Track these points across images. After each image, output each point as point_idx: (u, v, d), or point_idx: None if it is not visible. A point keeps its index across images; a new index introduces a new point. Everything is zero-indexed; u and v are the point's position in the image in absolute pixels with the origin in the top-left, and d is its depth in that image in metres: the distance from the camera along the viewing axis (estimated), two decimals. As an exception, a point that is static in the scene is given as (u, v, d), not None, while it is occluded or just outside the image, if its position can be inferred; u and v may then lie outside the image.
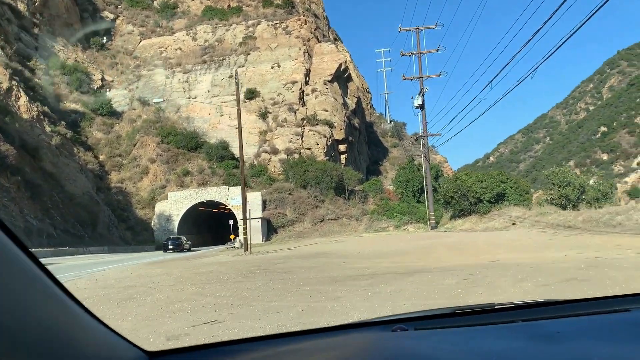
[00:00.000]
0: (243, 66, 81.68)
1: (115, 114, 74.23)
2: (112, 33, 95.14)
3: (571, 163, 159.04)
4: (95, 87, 78.65)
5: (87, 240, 49.11)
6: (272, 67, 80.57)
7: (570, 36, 16.38)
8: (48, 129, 58.34)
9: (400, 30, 44.63)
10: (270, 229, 56.56)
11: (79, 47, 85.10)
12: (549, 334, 1.70)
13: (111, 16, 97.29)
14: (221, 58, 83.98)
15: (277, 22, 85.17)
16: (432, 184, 47.72)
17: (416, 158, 65.90)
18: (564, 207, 31.09)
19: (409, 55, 44.29)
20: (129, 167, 65.92)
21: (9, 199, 40.25)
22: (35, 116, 57.38)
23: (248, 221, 55.31)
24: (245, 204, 34.33)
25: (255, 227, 54.35)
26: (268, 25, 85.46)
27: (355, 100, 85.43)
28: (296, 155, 66.79)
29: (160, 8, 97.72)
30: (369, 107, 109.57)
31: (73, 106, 71.89)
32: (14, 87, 56.57)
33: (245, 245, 33.92)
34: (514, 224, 31.31)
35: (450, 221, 43.20)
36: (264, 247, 43.86)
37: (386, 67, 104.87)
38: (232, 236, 53.40)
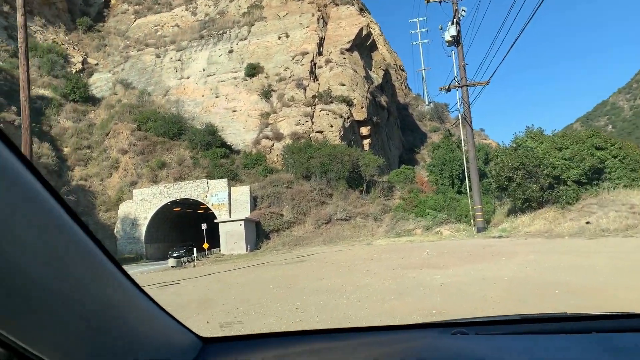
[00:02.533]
0: (245, 39, 68.11)
1: (91, 100, 62.33)
2: (104, 14, 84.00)
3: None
4: (74, 71, 67.03)
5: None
6: (280, 38, 66.59)
7: None
8: (-13, 114, 46.23)
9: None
10: (260, 234, 42.37)
11: (61, 29, 73.98)
12: (627, 347, 1.55)
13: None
14: (221, 32, 70.77)
15: (287, -15, 71.08)
16: (478, 167, 32.27)
17: (455, 133, 49.88)
18: None
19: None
20: (98, 160, 53.40)
21: None
22: (-31, 98, 45.29)
23: (223, 225, 41.44)
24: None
25: (237, 233, 40.37)
26: (276, -11, 71.57)
27: (381, 73, 70.12)
28: (304, 141, 52.25)
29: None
30: (403, 87, 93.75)
31: (41, 92, 60.33)
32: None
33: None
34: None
35: (508, 219, 27.67)
36: (238, 260, 29.71)
37: (422, 39, 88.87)
38: (205, 245, 39.61)
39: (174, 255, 37.63)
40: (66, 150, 54.25)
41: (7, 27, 65.88)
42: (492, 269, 11.55)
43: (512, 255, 13.71)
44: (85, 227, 1.16)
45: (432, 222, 36.62)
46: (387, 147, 66.90)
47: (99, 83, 67.15)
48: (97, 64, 71.58)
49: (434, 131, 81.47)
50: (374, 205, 42.38)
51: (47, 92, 60.10)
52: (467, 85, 28.48)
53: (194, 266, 26.60)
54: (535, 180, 23.66)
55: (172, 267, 26.07)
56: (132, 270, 27.09)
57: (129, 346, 1.26)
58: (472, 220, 30.61)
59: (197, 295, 10.87)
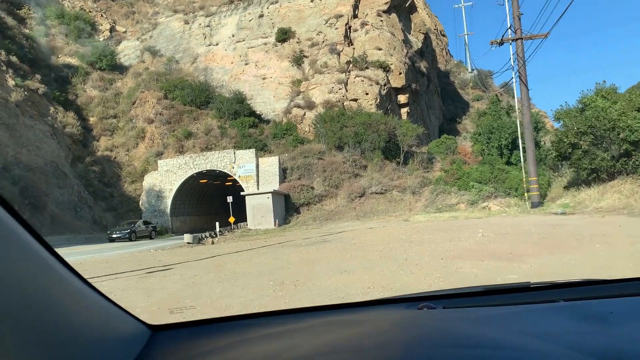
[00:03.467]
0: (276, 2, 64.54)
1: (118, 68, 60.46)
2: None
3: None
4: (102, 39, 65.19)
5: (33, 224, 34.72)
6: (312, 0, 62.69)
7: None
8: (12, 82, 44.62)
9: None
10: (289, 208, 39.69)
11: (89, -5, 72.11)
12: (600, 314, 1.53)
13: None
14: (252, -5, 67.32)
15: (319, -57, 66.77)
16: (532, 137, 28.29)
17: (503, 99, 45.46)
18: None
19: None
20: (124, 130, 51.58)
21: None
22: (-9, 66, 43.81)
23: (250, 197, 38.91)
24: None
25: (265, 206, 37.77)
26: (308, -52, 67.40)
27: (421, 37, 65.53)
28: (337, 110, 48.89)
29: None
30: (444, 53, 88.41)
31: (67, 60, 58.84)
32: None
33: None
34: None
35: (568, 193, 23.88)
36: (264, 236, 27.16)
37: (465, 1, 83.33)
38: (231, 219, 37.33)
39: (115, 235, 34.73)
40: (92, 119, 52.66)
41: (35, -6, 64.37)
42: (592, 262, 8.33)
43: (605, 240, 10.38)
44: (14, 212, 1.05)
45: (477, 196, 33.00)
46: (426, 117, 62.79)
47: (127, 51, 65.15)
48: (125, 32, 69.54)
49: (477, 100, 76.46)
50: (412, 177, 38.93)
51: (73, 61, 58.55)
52: (522, 38, 24.51)
53: (212, 243, 24.12)
54: (606, 147, 19.85)
55: (187, 243, 23.61)
56: (145, 246, 24.81)
57: (68, 341, 1.13)
58: (525, 194, 26.91)
59: (171, 291, 8.16)
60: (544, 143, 39.85)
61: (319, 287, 7.34)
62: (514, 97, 56.58)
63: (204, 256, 14.80)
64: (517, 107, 28.00)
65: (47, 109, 48.05)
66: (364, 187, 38.81)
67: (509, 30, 24.69)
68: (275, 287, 7.81)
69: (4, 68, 45.26)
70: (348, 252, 12.60)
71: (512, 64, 25.63)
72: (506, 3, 25.77)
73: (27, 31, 56.95)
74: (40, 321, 1.05)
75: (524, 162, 27.69)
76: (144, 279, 9.95)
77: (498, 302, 1.86)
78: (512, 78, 26.20)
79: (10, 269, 0.99)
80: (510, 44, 25.41)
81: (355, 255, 11.89)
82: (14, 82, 44.74)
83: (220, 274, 10.00)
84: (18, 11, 59.01)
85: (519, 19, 25.16)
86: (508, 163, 37.87)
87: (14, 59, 46.58)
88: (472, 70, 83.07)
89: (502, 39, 25.03)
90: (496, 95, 47.51)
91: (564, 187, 26.26)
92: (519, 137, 28.73)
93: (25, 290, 1.02)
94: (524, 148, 27.50)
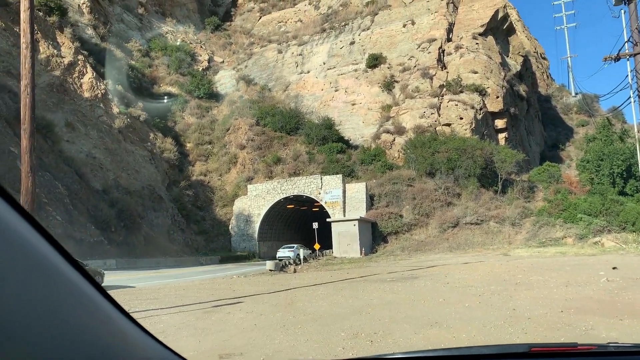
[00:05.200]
0: (368, 29, 64.43)
1: (215, 96, 62.86)
2: (232, 13, 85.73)
3: None
4: (200, 69, 68.33)
5: (127, 246, 36.31)
6: (404, 26, 61.84)
7: None
8: (116, 110, 47.56)
9: None
10: (376, 236, 38.17)
11: (191, 29, 76.31)
12: None
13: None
14: (343, 24, 67.85)
15: (413, -32, 66.02)
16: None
17: (615, 123, 41.12)
18: None
19: None
20: (217, 156, 53.03)
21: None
22: (100, 95, 46.93)
23: (336, 224, 37.80)
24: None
25: (351, 234, 36.63)
26: (401, -26, 66.90)
27: (520, 60, 62.00)
28: (429, 135, 46.95)
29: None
30: (545, 77, 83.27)
31: (168, 89, 62.10)
32: (79, 62, 46.74)
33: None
34: None
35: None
36: (349, 265, 25.97)
37: (568, 22, 78.30)
38: (316, 245, 36.40)
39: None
40: (188, 145, 54.69)
41: (141, 28, 69.11)
42: None
43: None
44: (59, 247, 1.04)
45: (586, 229, 29.57)
46: (526, 143, 58.82)
47: (223, 80, 67.67)
48: (222, 62, 72.52)
49: (582, 125, 70.73)
50: (512, 207, 35.94)
51: (173, 89, 61.58)
52: (644, 53, 21.59)
53: (294, 271, 23.20)
54: None
55: (269, 270, 22.86)
56: (229, 272, 24.43)
57: None
58: (646, 230, 23.48)
59: (227, 335, 7.04)
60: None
61: (400, 345, 5.89)
62: (625, 121, 51.51)
63: (280, 288, 13.77)
64: (636, 131, 24.75)
65: (147, 135, 50.56)
66: (457, 217, 36.41)
67: (626, 44, 21.96)
68: (347, 341, 6.45)
69: (110, 96, 48.29)
70: (440, 294, 10.89)
71: (630, 82, 22.71)
72: (622, 15, 23.06)
73: (133, 62, 60.84)
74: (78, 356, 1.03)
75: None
76: (206, 315, 9.03)
77: None
78: (630, 97, 23.19)
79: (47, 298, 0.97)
80: (628, 59, 22.54)
81: (449, 299, 10.18)
82: (118, 110, 47.59)
83: (288, 314, 8.82)
84: (126, 44, 63.37)
85: (638, 31, 22.28)
86: (622, 193, 33.80)
87: (119, 88, 49.68)
88: (576, 94, 77.31)
89: (618, 54, 22.27)
90: (607, 118, 43.14)
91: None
92: (639, 163, 25.33)
93: (66, 324, 1.01)
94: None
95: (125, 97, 51.33)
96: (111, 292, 1.46)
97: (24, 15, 11.18)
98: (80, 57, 46.64)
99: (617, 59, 22.40)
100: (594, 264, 15.44)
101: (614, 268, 13.42)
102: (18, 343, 0.87)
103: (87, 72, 46.97)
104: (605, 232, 28.99)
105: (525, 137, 59.57)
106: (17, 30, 36.41)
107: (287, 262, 28.28)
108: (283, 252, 36.96)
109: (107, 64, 51.89)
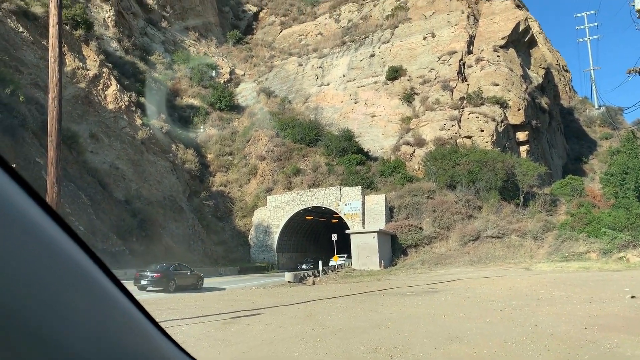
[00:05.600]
0: (388, 42, 64.68)
1: (235, 108, 63.54)
2: (253, 27, 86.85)
3: None
4: (222, 81, 69.19)
5: (148, 255, 36.62)
6: (425, 38, 61.91)
7: None
8: (139, 121, 48.38)
9: None
10: (395, 249, 37.93)
11: (212, 42, 77.45)
12: None
13: (254, 9, 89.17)
14: (363, 37, 68.25)
15: (433, -19, 66.23)
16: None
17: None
18: None
19: None
20: (238, 167, 53.47)
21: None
22: (124, 107, 47.83)
23: (355, 236, 37.67)
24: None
25: (370, 246, 36.46)
26: (422, -12, 67.17)
27: (542, 72, 61.46)
28: (449, 147, 46.69)
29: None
30: (567, 89, 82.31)
31: (190, 101, 63.00)
32: (104, 74, 47.80)
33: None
34: None
35: None
36: (368, 278, 25.86)
37: (591, 34, 77.17)
38: (335, 257, 36.33)
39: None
40: (209, 156, 55.26)
41: (164, 41, 70.34)
42: None
43: None
44: (91, 252, 1.06)
45: (610, 244, 28.99)
46: (548, 156, 58.07)
47: (244, 92, 68.39)
48: (243, 74, 73.33)
49: (606, 138, 69.66)
50: (534, 221, 35.44)
51: (195, 101, 62.44)
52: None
53: (313, 283, 23.16)
54: None
55: (288, 282, 22.86)
56: (248, 282, 24.51)
57: None
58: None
59: (247, 347, 7.05)
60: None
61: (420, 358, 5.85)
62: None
63: (299, 300, 13.77)
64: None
65: (169, 146, 51.26)
66: (478, 230, 36.02)
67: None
68: (366, 355, 6.42)
69: (134, 108, 49.13)
70: (460, 309, 10.76)
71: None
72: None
73: (156, 75, 61.87)
74: None
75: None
76: (226, 326, 9.08)
77: None
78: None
79: (72, 304, 0.97)
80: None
81: (470, 314, 10.06)
82: (141, 121, 48.38)
83: (307, 327, 8.83)
84: (150, 57, 64.51)
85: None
86: (648, 208, 33.09)
87: (142, 99, 50.55)
88: (600, 106, 76.05)
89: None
90: (632, 131, 42.43)
91: None
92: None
93: (93, 329, 1.01)
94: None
95: (148, 109, 52.17)
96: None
97: (53, 30, 11.49)
98: (105, 69, 47.69)
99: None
100: (618, 279, 15.12)
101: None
102: (49, 345, 0.86)
103: (111, 85, 48.01)
104: (631, 247, 28.40)
105: (547, 150, 58.84)
106: (45, 43, 37.49)
107: (305, 274, 28.27)
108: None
109: (139, 79, 53.01)
